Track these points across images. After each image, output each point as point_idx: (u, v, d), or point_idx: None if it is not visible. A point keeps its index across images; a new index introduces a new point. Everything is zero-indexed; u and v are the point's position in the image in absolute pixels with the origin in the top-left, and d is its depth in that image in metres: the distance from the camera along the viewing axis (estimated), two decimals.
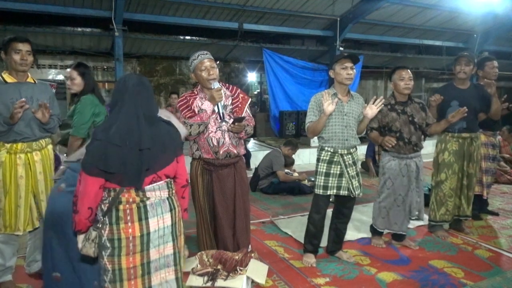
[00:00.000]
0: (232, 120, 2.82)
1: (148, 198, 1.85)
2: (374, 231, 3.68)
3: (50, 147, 2.96)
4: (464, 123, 3.72)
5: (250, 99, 3.02)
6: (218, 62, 11.85)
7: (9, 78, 2.75)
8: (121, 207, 1.81)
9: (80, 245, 1.87)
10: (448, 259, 3.34)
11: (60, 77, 10.13)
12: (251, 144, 9.43)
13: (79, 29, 9.03)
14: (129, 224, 1.80)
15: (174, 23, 9.03)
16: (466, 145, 3.77)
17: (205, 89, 2.86)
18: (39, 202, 2.86)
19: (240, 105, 2.92)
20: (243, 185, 2.93)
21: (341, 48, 10.21)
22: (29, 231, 2.88)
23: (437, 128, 3.58)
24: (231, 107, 2.90)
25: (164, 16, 8.76)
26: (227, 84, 3.00)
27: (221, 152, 2.81)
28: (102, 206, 1.83)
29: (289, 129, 9.98)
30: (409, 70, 3.48)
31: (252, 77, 13.00)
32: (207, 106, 2.78)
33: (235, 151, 2.87)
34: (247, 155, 7.56)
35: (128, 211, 1.81)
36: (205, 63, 2.78)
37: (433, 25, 10.69)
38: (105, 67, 10.55)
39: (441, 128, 3.60)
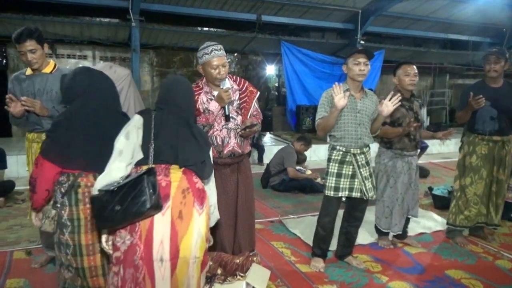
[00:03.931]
0: (238, 116, 2.68)
1: None
2: (379, 231, 3.55)
3: None
4: (496, 125, 3.46)
5: (258, 93, 2.85)
6: (235, 54, 11.72)
7: (29, 71, 2.85)
8: (80, 190, 1.95)
9: (34, 221, 2.09)
10: (466, 269, 3.13)
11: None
12: (267, 138, 9.27)
13: (97, 19, 9.03)
14: (88, 205, 1.93)
15: (192, 14, 8.93)
16: (496, 149, 3.50)
17: (211, 84, 2.70)
18: None
19: (248, 100, 2.76)
20: (247, 185, 2.78)
21: (361, 42, 9.92)
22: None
23: (423, 134, 3.59)
24: (238, 102, 2.73)
25: (182, 7, 8.68)
26: (234, 77, 2.83)
27: (225, 152, 2.66)
28: (61, 189, 1.95)
29: (306, 123, 9.77)
30: (414, 66, 3.33)
31: (270, 70, 12.78)
32: (213, 107, 2.61)
33: (240, 151, 2.72)
34: (260, 150, 7.42)
35: (86, 194, 1.94)
36: (217, 60, 2.57)
37: (459, 18, 10.26)
38: (123, 57, 10.52)
39: (425, 136, 3.68)
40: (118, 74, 2.68)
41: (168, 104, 1.94)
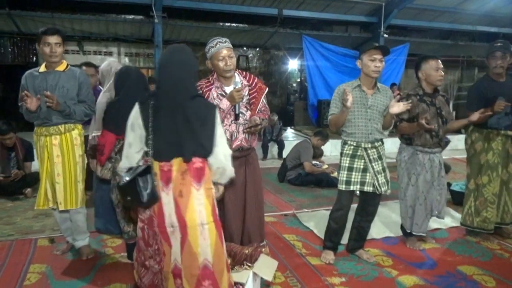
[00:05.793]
0: (247, 111, 2.75)
1: None
2: (404, 232, 3.47)
3: (75, 132, 3.04)
4: (509, 120, 3.39)
5: (267, 89, 2.90)
6: (257, 49, 11.73)
7: (42, 68, 3.02)
8: None
9: (99, 173, 2.86)
10: (479, 266, 3.08)
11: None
12: (288, 133, 9.28)
13: (121, 16, 9.24)
14: None
15: (214, 10, 9.00)
16: (508, 144, 3.44)
17: (221, 78, 2.77)
18: (53, 184, 2.96)
19: (257, 96, 2.82)
20: (255, 178, 2.83)
21: (385, 35, 9.73)
22: (60, 211, 3.06)
23: (454, 125, 3.44)
24: (247, 97, 2.80)
25: (204, 3, 8.75)
26: (244, 73, 2.89)
27: (233, 146, 2.72)
28: (115, 149, 2.74)
29: (327, 118, 9.69)
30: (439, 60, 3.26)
31: (292, 64, 12.71)
32: (225, 105, 2.67)
33: (247, 145, 2.78)
34: (280, 145, 7.45)
35: None
36: (223, 52, 2.65)
37: (489, 9, 9.88)
38: (147, 53, 10.72)
39: (458, 126, 3.49)
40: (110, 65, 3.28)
41: (162, 87, 2.12)
